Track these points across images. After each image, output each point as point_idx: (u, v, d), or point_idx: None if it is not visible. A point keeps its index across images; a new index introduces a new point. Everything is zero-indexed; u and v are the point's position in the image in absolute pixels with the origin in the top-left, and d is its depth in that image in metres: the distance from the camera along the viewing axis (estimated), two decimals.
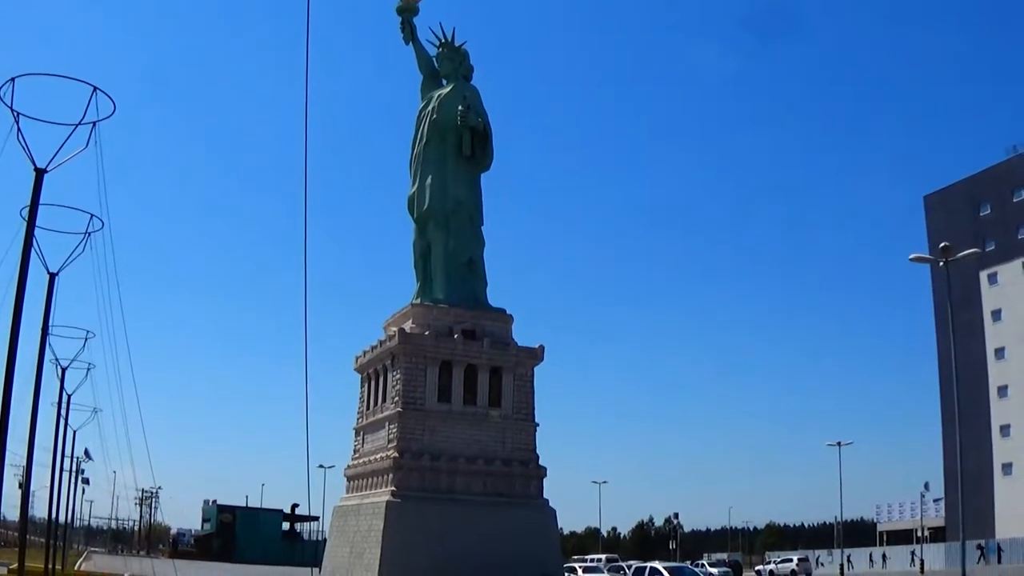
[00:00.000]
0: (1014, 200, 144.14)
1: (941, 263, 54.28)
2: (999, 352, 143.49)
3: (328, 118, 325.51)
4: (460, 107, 77.96)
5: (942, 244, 55.82)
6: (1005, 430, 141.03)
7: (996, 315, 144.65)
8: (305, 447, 53.85)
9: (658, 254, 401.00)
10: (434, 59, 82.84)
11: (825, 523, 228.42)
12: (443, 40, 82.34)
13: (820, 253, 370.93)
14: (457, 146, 78.58)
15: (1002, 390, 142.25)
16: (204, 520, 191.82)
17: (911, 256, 56.21)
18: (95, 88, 43.44)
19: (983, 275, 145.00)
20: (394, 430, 71.15)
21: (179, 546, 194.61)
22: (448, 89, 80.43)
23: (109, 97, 44.11)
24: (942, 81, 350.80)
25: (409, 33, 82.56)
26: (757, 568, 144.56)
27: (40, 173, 42.24)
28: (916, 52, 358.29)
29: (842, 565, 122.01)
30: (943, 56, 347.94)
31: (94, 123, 44.35)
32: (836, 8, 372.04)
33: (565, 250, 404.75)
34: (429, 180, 77.91)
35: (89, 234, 59.04)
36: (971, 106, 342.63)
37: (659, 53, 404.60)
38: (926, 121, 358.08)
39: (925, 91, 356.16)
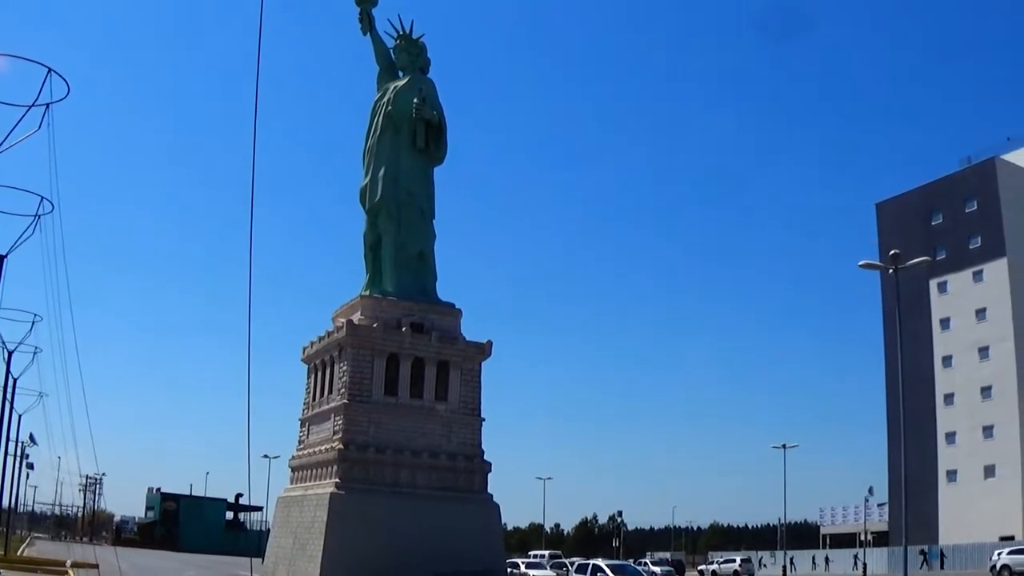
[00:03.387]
0: (966, 210, 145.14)
1: (891, 270, 54.28)
2: (946, 360, 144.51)
3: (282, 106, 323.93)
4: (415, 100, 77.99)
5: (892, 251, 55.86)
6: (950, 438, 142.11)
7: (945, 324, 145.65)
8: (253, 436, 53.52)
9: (608, 251, 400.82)
10: (391, 51, 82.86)
11: (769, 525, 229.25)
12: (401, 32, 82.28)
13: (773, 255, 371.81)
14: (411, 138, 78.63)
15: (948, 398, 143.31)
16: (148, 508, 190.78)
17: (861, 262, 56.38)
18: (49, 69, 43.03)
19: (933, 284, 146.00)
20: (340, 422, 71.19)
21: (122, 534, 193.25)
22: (404, 81, 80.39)
23: (63, 79, 43.72)
24: (901, 90, 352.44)
25: (367, 24, 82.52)
26: (700, 568, 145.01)
27: None
28: (875, 61, 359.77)
29: (785, 567, 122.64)
30: (902, 66, 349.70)
31: (47, 105, 43.95)
32: (795, 12, 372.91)
33: (515, 245, 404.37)
34: (382, 172, 77.85)
35: (39, 217, 58.51)
36: (927, 116, 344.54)
37: (611, 47, 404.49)
38: (884, 129, 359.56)
39: (883, 99, 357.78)
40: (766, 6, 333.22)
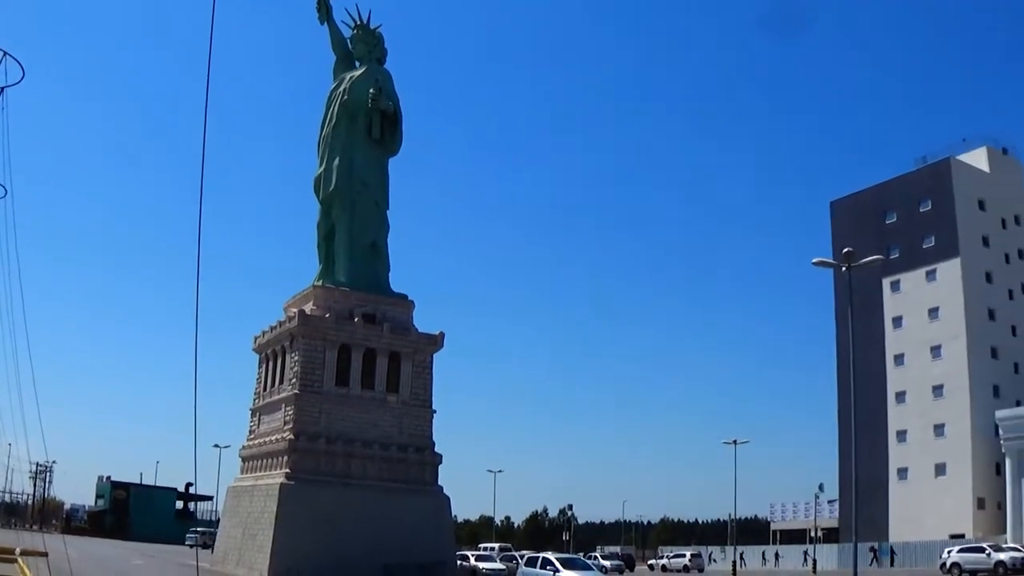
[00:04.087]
0: (920, 210, 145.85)
1: (844, 268, 54.29)
2: (898, 359, 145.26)
3: (236, 93, 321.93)
4: (371, 90, 77.95)
5: (845, 250, 55.87)
6: (901, 436, 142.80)
7: (897, 322, 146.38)
8: (203, 425, 53.19)
9: (561, 245, 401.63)
10: (348, 40, 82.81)
11: (719, 520, 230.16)
12: (358, 22, 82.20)
13: (728, 252, 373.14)
14: (366, 129, 78.63)
15: (900, 396, 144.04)
16: (98, 496, 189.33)
17: (814, 260, 56.23)
18: (4, 53, 42.52)
19: (886, 282, 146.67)
20: (290, 412, 71.07)
21: (72, 522, 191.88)
22: (360, 71, 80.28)
23: (19, 63, 43.19)
24: (858, 90, 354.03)
25: (325, 12, 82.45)
26: (650, 562, 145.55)
27: None
28: (833, 61, 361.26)
29: (735, 562, 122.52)
30: (860, 66, 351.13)
31: (2, 88, 43.47)
32: (752, 14, 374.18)
33: (468, 237, 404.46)
34: (336, 161, 77.75)
35: None
36: (884, 116, 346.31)
37: (569, 42, 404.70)
38: (841, 128, 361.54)
39: (841, 99, 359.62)
40: (721, 7, 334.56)
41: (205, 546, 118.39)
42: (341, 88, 79.93)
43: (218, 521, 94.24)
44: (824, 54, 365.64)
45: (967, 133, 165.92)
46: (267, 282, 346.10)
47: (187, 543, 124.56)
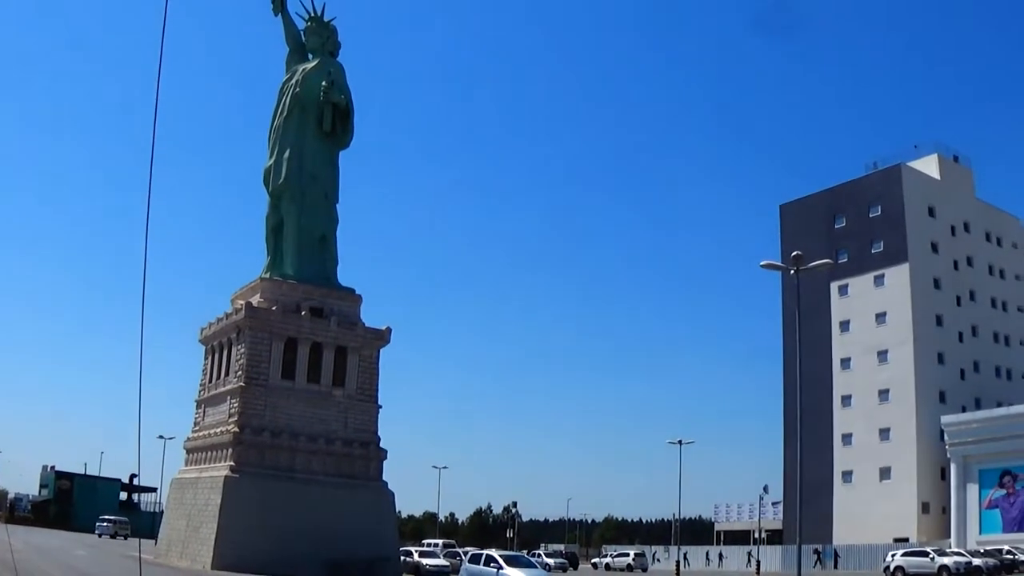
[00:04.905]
0: (870, 215, 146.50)
1: (792, 271, 54.28)
2: (845, 362, 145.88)
3: (185, 82, 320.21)
4: (324, 82, 77.98)
5: (794, 253, 55.89)
6: (847, 439, 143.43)
7: (844, 326, 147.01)
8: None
9: (507, 244, 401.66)
10: (302, 32, 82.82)
11: (663, 520, 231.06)
12: (312, 14, 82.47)
13: (676, 254, 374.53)
14: (318, 121, 78.66)
15: (846, 399, 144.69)
16: (42, 486, 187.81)
17: (762, 263, 56.20)
18: None
19: (834, 286, 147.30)
20: (236, 404, 71.10)
21: (16, 512, 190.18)
22: (313, 64, 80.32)
23: None
24: (811, 94, 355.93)
25: (279, 4, 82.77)
26: (593, 561, 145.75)
27: None
28: (787, 65, 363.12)
29: (678, 562, 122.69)
30: (814, 72, 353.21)
31: None
32: (713, 17, 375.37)
33: (416, 233, 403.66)
34: (287, 154, 77.71)
35: None
36: (836, 121, 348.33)
37: (518, 41, 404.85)
38: (793, 132, 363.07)
39: (793, 104, 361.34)
40: (665, 14, 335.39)
41: (115, 536, 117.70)
42: (293, 80, 79.89)
43: (161, 513, 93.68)
44: (777, 60, 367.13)
45: (919, 140, 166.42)
46: (216, 273, 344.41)
47: (97, 532, 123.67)
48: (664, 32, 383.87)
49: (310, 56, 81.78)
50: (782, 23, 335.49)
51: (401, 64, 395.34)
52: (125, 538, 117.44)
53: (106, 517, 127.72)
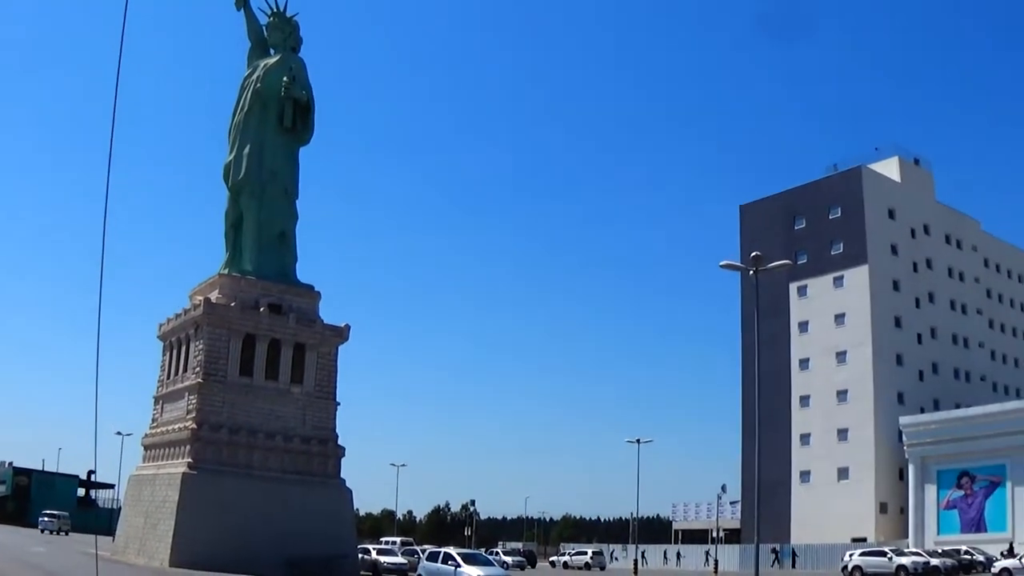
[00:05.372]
0: (830, 217, 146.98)
1: (751, 272, 54.42)
2: (803, 363, 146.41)
3: (146, 77, 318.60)
4: (285, 78, 77.89)
5: (753, 253, 56.03)
6: (805, 439, 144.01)
7: (803, 327, 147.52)
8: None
9: (466, 243, 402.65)
10: (264, 28, 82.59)
11: (621, 518, 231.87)
12: (274, 10, 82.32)
13: (637, 253, 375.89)
14: (278, 117, 78.56)
15: (804, 400, 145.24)
16: (0, 482, 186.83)
17: (721, 263, 56.32)
18: None
19: (793, 287, 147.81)
20: (194, 401, 70.95)
21: None
22: (275, 59, 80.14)
23: None
24: (774, 98, 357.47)
25: None
26: (551, 559, 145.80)
27: None
28: (751, 67, 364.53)
29: (636, 561, 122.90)
30: (778, 76, 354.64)
31: None
32: (680, 15, 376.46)
33: (375, 231, 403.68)
34: (247, 149, 77.57)
35: None
36: (798, 123, 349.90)
37: (478, 39, 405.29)
38: (755, 134, 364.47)
39: (756, 106, 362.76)
40: (630, 15, 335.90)
41: (59, 531, 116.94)
42: (254, 75, 79.69)
43: (119, 509, 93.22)
44: (740, 62, 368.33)
45: (880, 143, 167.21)
46: (175, 268, 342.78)
47: (40, 528, 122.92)
48: (625, 33, 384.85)
49: (272, 52, 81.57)
50: (745, 26, 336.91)
51: (363, 61, 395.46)
52: (67, 533, 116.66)
53: (48, 513, 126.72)
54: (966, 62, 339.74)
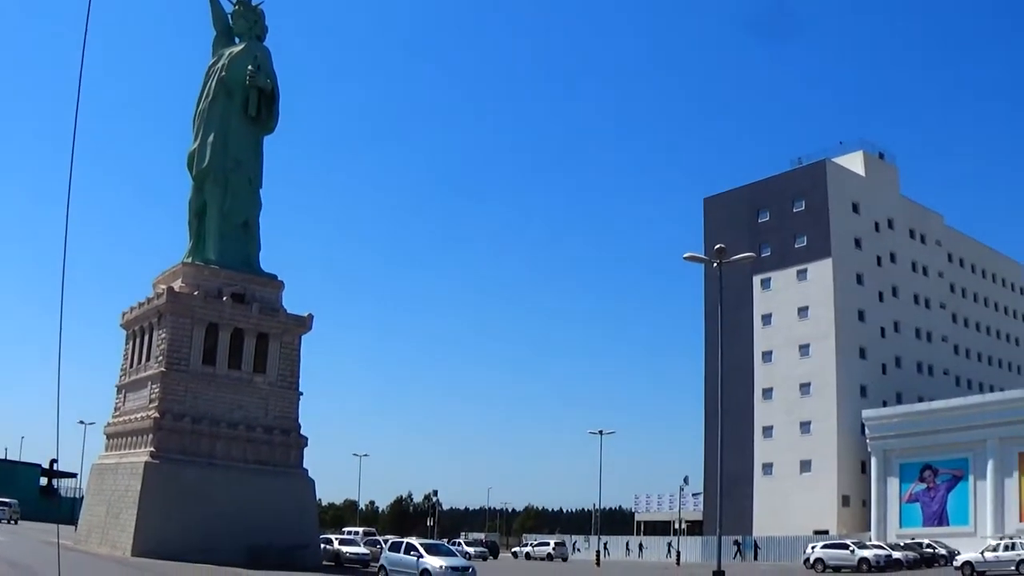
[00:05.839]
0: (794, 210, 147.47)
1: (715, 264, 54.59)
2: (766, 355, 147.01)
3: (111, 63, 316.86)
4: (250, 67, 77.85)
5: (717, 246, 56.18)
6: (767, 431, 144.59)
7: (766, 319, 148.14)
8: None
9: (430, 233, 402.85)
10: (229, 16, 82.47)
11: (584, 509, 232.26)
12: None
13: (602, 245, 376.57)
14: (243, 106, 78.50)
15: (767, 392, 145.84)
16: None
17: (685, 255, 56.55)
18: None
19: (757, 280, 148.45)
20: (156, 390, 70.89)
21: None
22: (240, 48, 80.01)
23: None
24: (739, 91, 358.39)
25: None
26: (514, 550, 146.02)
27: None
28: (714, 64, 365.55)
29: (599, 552, 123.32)
30: (741, 69, 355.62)
31: None
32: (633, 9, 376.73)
33: (340, 221, 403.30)
34: (211, 138, 77.47)
35: None
36: (762, 117, 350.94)
37: (439, 33, 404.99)
38: (720, 128, 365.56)
39: (722, 99, 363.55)
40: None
41: (10, 520, 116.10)
42: (220, 64, 79.58)
43: (81, 499, 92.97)
44: (705, 57, 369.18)
45: (845, 137, 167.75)
46: (139, 257, 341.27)
47: None
48: (591, 29, 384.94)
49: (237, 40, 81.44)
50: (712, 22, 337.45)
51: (329, 50, 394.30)
52: (16, 522, 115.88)
53: None
54: (931, 59, 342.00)
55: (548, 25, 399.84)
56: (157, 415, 69.28)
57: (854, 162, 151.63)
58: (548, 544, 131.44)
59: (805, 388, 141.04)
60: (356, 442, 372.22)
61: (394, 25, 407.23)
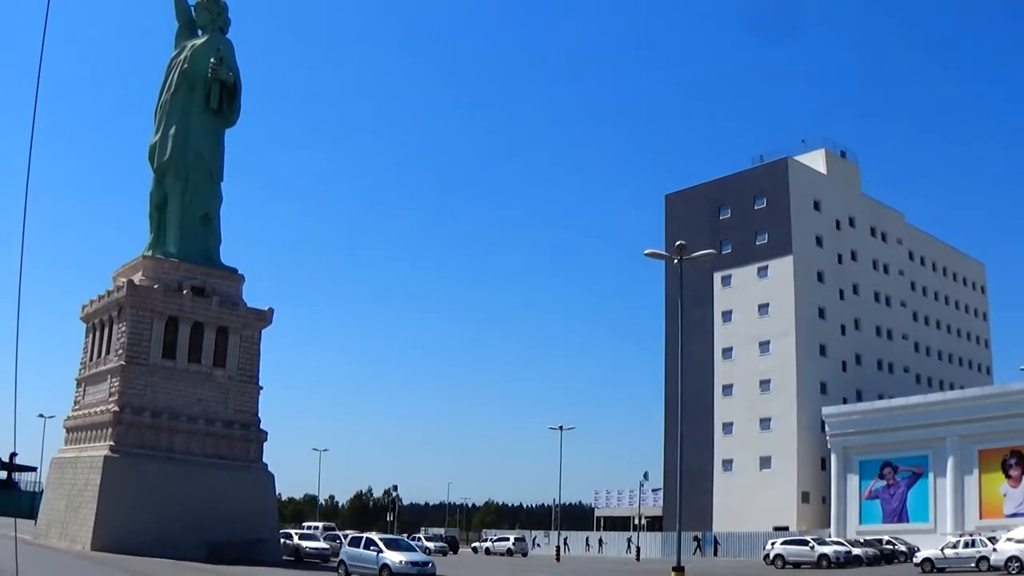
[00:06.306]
0: (755, 207, 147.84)
1: (675, 260, 54.70)
2: (727, 352, 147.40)
3: (71, 54, 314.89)
4: (212, 59, 77.92)
5: (677, 242, 56.26)
6: (728, 428, 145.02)
7: (727, 316, 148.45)
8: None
9: (391, 229, 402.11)
10: (192, 8, 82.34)
11: (544, 505, 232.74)
12: None
13: (562, 241, 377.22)
14: (205, 98, 78.59)
15: (727, 388, 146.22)
16: None
17: (646, 251, 56.61)
18: None
19: (717, 276, 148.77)
20: (116, 383, 70.90)
21: None
22: (202, 40, 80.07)
23: None
24: (701, 89, 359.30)
25: None
26: (473, 545, 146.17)
27: None
28: (676, 61, 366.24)
29: (558, 547, 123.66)
30: (703, 67, 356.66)
31: None
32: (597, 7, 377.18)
33: (301, 215, 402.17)
34: (173, 130, 77.46)
35: None
36: (724, 115, 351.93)
37: (401, 30, 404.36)
38: (682, 125, 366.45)
39: (686, 96, 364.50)
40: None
41: None
42: (182, 56, 79.55)
43: (41, 493, 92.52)
44: (667, 54, 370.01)
45: (807, 135, 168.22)
46: (99, 249, 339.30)
47: None
48: (553, 27, 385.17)
49: (199, 32, 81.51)
50: (676, 21, 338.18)
51: (291, 44, 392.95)
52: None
53: None
54: (893, 58, 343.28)
55: (504, 12, 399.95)
56: (117, 409, 69.34)
57: (816, 160, 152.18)
58: (508, 539, 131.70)
59: (765, 385, 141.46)
60: (316, 437, 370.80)
61: (358, 24, 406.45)
